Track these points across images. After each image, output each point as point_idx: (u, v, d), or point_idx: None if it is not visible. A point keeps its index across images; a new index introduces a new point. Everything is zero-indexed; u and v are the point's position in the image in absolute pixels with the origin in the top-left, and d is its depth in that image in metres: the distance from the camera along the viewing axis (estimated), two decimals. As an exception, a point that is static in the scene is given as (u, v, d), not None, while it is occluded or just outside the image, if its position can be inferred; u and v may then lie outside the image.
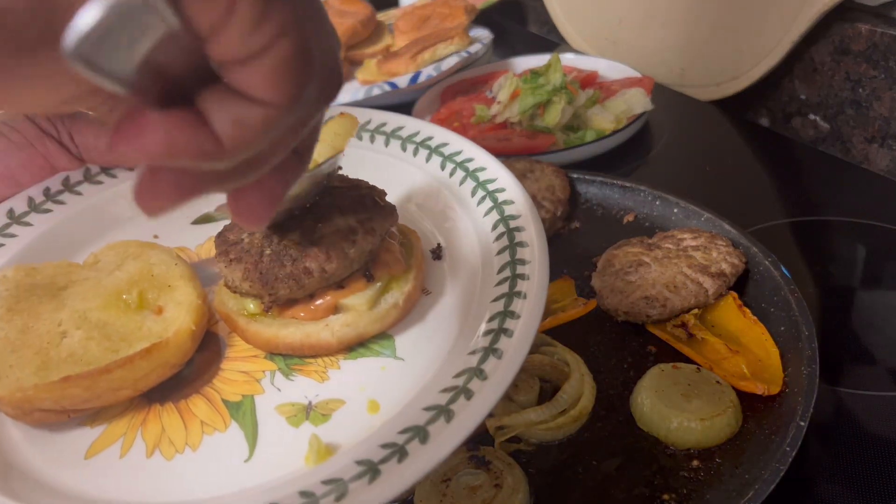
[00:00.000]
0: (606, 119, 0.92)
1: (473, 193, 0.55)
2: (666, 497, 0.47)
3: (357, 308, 0.47)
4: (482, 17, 1.24)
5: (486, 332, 0.42)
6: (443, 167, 0.58)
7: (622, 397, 0.54)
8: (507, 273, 0.47)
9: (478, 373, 0.39)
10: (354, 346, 0.48)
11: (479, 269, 0.49)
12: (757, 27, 0.93)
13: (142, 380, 0.46)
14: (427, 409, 0.39)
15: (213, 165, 0.24)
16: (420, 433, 0.37)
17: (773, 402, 0.52)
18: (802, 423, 0.48)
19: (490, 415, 0.52)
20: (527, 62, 1.08)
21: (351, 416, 0.43)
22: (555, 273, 0.66)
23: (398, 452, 0.36)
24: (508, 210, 0.52)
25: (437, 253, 0.53)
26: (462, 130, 0.95)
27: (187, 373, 0.49)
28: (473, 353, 0.41)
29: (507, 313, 0.43)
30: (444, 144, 0.59)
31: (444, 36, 1.09)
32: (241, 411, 0.45)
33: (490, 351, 0.41)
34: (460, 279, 0.50)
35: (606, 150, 0.89)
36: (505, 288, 0.45)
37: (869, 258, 0.71)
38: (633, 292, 0.60)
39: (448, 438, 0.36)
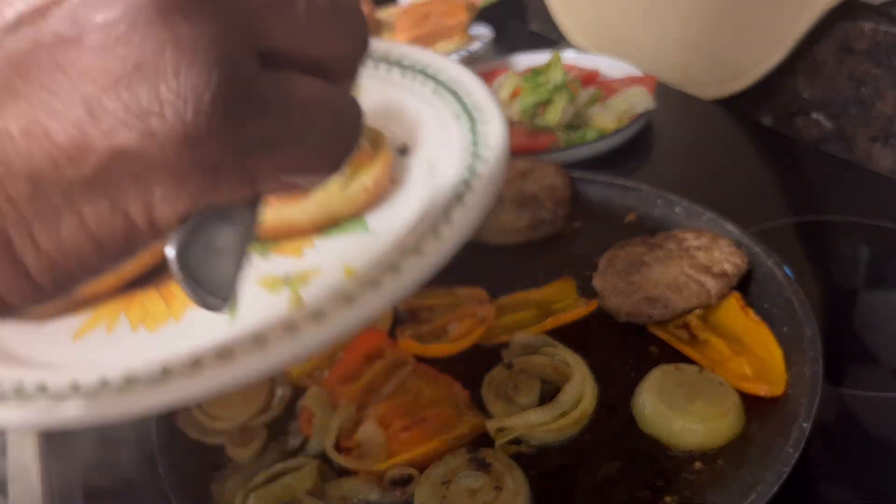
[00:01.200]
0: (608, 118, 0.91)
1: (424, 84, 0.57)
2: (668, 499, 0.47)
3: (328, 190, 0.49)
4: (482, 15, 1.23)
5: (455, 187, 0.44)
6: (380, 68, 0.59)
7: (624, 399, 0.54)
8: (469, 137, 0.48)
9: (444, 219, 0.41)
10: (327, 226, 0.49)
11: (444, 151, 0.51)
12: (759, 25, 0.93)
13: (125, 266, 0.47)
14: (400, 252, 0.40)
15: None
16: (392, 268, 0.38)
17: (776, 403, 0.52)
18: (805, 425, 0.47)
19: (490, 415, 0.52)
20: (527, 60, 1.08)
21: (329, 280, 0.45)
22: (556, 273, 0.66)
23: (371, 283, 0.38)
24: (461, 91, 0.54)
25: (404, 150, 0.55)
26: (462, 129, 0.94)
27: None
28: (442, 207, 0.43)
29: (475, 157, 0.45)
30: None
31: (444, 34, 1.09)
32: None
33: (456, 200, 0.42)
34: (429, 165, 0.52)
35: (608, 149, 0.89)
36: (470, 147, 0.47)
37: (872, 258, 0.71)
38: (635, 293, 0.60)
39: (416, 269, 0.37)
